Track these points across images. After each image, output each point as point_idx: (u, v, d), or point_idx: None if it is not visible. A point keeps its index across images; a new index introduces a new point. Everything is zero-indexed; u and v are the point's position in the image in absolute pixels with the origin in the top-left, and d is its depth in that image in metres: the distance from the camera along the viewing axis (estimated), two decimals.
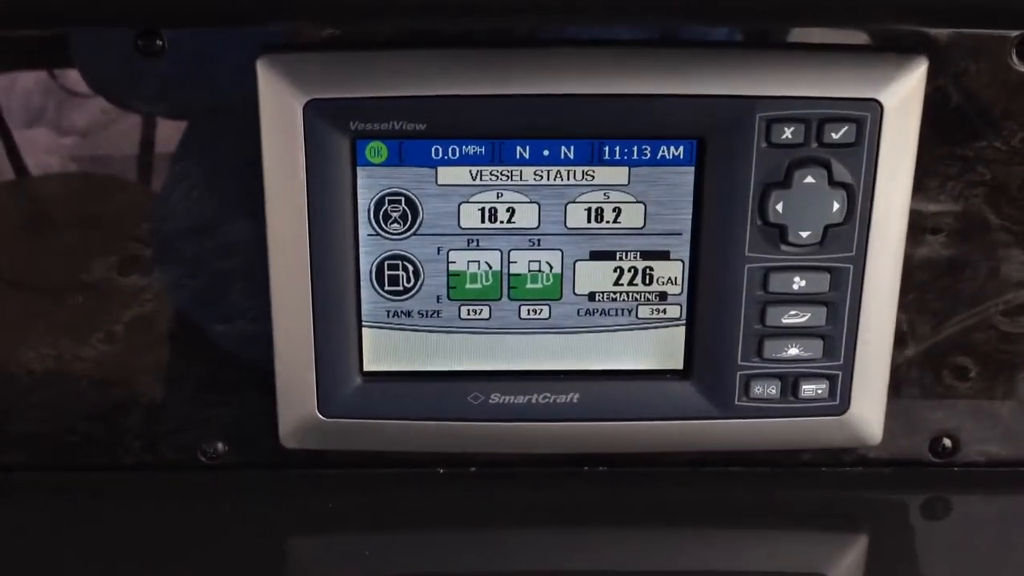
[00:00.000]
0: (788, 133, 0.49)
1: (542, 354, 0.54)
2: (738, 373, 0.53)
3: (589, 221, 0.52)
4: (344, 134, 0.49)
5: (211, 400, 0.57)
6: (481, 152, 0.51)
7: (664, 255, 0.53)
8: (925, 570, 0.54)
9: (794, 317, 0.52)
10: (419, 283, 0.53)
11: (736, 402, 0.54)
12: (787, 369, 0.53)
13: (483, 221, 0.52)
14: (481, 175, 0.51)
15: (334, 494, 0.57)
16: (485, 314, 0.53)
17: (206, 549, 0.53)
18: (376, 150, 0.50)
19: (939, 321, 0.57)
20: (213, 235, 0.54)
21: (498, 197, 0.51)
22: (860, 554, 0.56)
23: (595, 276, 0.53)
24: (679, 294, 0.53)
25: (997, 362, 0.57)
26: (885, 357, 0.54)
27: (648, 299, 0.53)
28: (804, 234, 0.51)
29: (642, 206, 0.52)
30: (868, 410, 0.54)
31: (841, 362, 0.53)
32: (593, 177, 0.51)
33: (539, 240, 0.52)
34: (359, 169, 0.50)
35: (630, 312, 0.54)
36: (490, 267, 0.53)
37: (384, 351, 0.54)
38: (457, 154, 0.51)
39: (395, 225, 0.52)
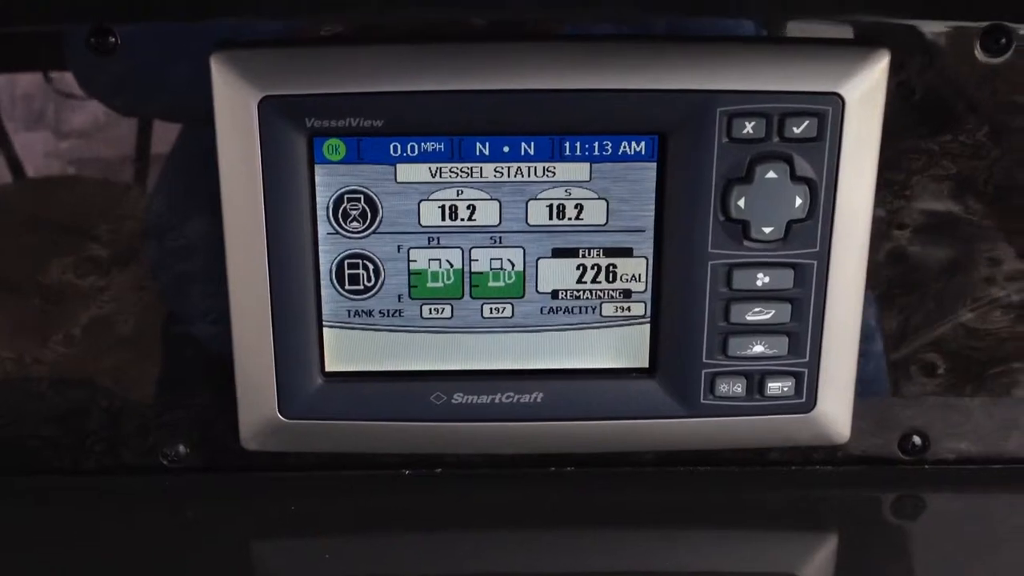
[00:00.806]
0: (749, 128, 0.49)
1: (505, 353, 0.54)
2: (703, 371, 0.53)
3: (551, 218, 0.51)
4: (300, 131, 0.49)
5: (172, 402, 0.57)
6: (440, 149, 0.50)
7: (627, 252, 0.52)
8: (896, 569, 0.53)
9: (758, 314, 0.52)
10: (380, 282, 0.52)
11: (702, 400, 0.53)
12: (752, 367, 0.53)
13: (444, 219, 0.51)
14: (441, 172, 0.50)
15: (297, 496, 0.57)
16: (447, 313, 0.53)
17: (169, 553, 0.53)
18: (334, 147, 0.50)
19: (906, 318, 0.56)
20: (171, 235, 0.54)
21: (458, 194, 0.51)
22: (830, 553, 0.55)
23: (558, 274, 0.53)
24: (643, 291, 0.53)
25: (966, 359, 0.57)
26: (852, 354, 0.53)
27: (612, 297, 0.53)
28: (767, 230, 0.50)
29: (604, 202, 0.51)
30: (835, 408, 0.54)
31: (807, 359, 0.53)
32: (554, 173, 0.51)
33: (500, 238, 0.52)
34: (317, 167, 0.50)
35: (594, 310, 0.53)
36: (451, 265, 0.52)
37: (345, 351, 0.53)
38: (416, 151, 0.50)
39: (354, 223, 0.51)
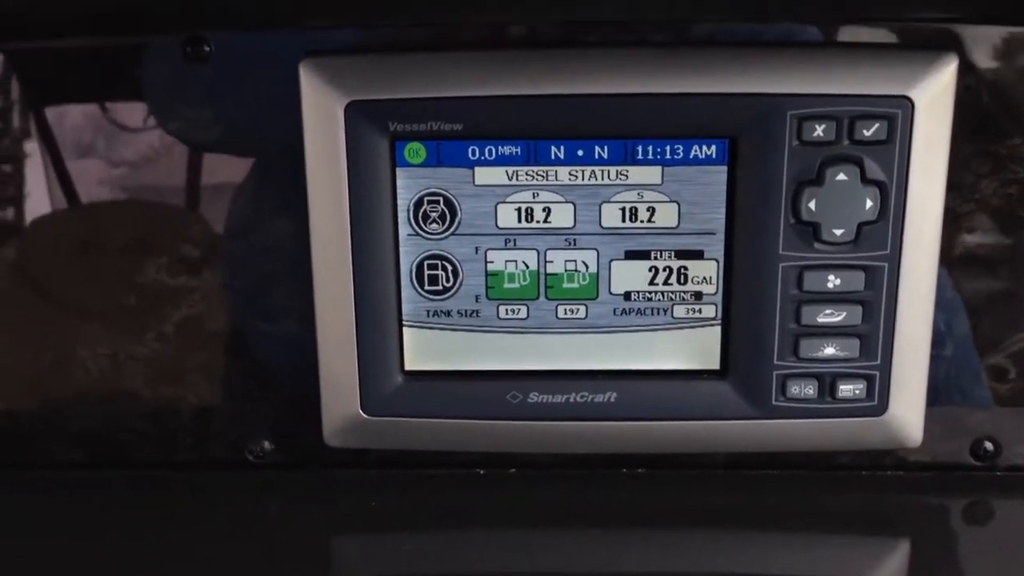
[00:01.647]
0: (820, 131, 0.49)
1: (579, 353, 0.55)
2: (774, 373, 0.53)
3: (624, 221, 0.53)
4: (384, 135, 0.51)
5: (257, 399, 0.59)
6: (517, 152, 0.52)
7: (698, 254, 0.53)
8: None
9: (829, 316, 0.52)
10: (458, 283, 0.54)
11: (773, 402, 0.54)
12: (824, 369, 0.53)
13: (520, 221, 0.53)
14: (517, 175, 0.52)
15: (376, 493, 0.58)
16: (523, 313, 0.54)
17: (252, 546, 0.54)
18: (415, 151, 0.52)
19: (977, 322, 0.56)
20: (258, 236, 0.56)
21: (534, 197, 0.52)
22: (900, 560, 0.55)
23: (631, 275, 0.54)
24: (714, 293, 0.54)
25: None
26: (923, 357, 0.53)
27: (683, 298, 0.54)
28: (838, 232, 0.51)
29: (676, 205, 0.52)
30: (907, 411, 0.54)
31: (878, 362, 0.53)
32: (627, 177, 0.52)
33: (575, 240, 0.53)
34: (398, 170, 0.52)
35: (666, 312, 0.54)
36: (527, 267, 0.54)
37: (424, 350, 0.55)
38: (493, 155, 0.52)
39: (434, 225, 0.53)
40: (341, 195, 0.51)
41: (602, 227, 0.53)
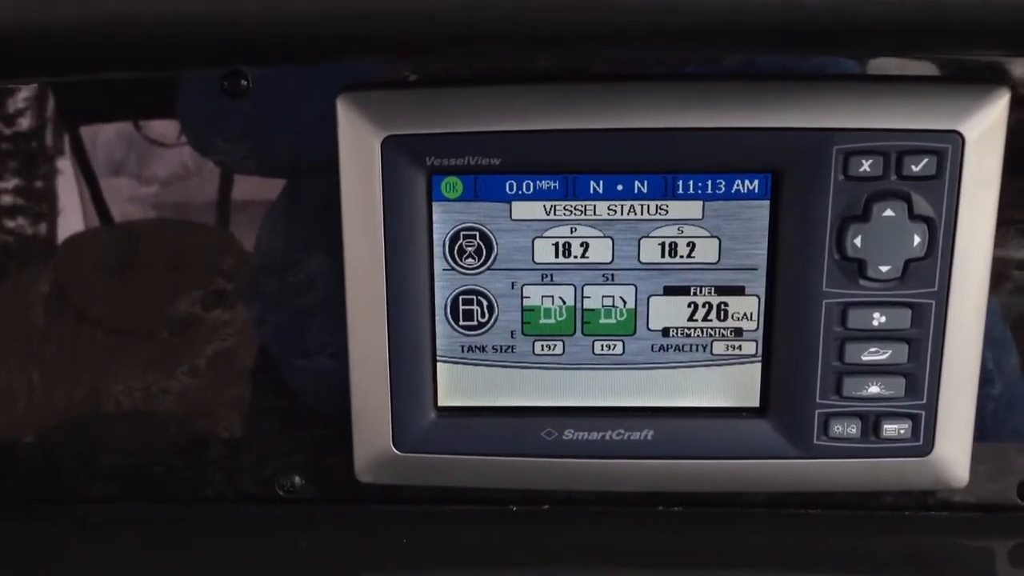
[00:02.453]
0: (866, 166, 0.48)
1: (616, 390, 0.54)
2: (817, 411, 0.52)
3: (663, 256, 0.52)
4: (420, 169, 0.50)
5: (289, 434, 0.58)
6: (555, 187, 0.51)
7: (739, 290, 0.52)
8: None
9: (874, 354, 0.51)
10: (493, 318, 0.53)
11: (815, 441, 0.52)
12: (868, 408, 0.52)
13: (557, 256, 0.52)
14: (555, 210, 0.51)
15: (408, 529, 0.57)
16: (559, 349, 0.53)
17: None
18: (451, 185, 0.51)
19: None
20: (293, 271, 0.56)
21: (572, 232, 0.52)
22: None
23: (669, 311, 0.53)
24: (755, 330, 0.53)
25: None
26: (971, 396, 0.52)
27: (723, 335, 0.53)
28: (884, 268, 0.50)
29: (716, 240, 0.51)
30: (953, 451, 0.53)
31: (924, 401, 0.52)
32: (667, 211, 0.51)
33: (613, 275, 0.52)
34: (435, 204, 0.51)
35: (705, 348, 0.53)
36: (564, 302, 0.53)
37: (458, 386, 0.54)
38: (531, 189, 0.51)
39: (470, 260, 0.52)
40: (376, 229, 0.51)
41: (641, 262, 0.52)
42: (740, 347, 0.53)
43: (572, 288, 0.53)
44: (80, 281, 0.57)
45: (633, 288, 0.53)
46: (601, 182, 0.51)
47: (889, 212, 0.49)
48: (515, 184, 0.51)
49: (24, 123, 0.55)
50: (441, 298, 0.53)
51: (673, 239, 0.52)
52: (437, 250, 0.52)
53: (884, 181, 0.49)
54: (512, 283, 0.53)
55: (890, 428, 0.52)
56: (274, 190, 0.55)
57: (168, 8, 0.36)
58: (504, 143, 0.50)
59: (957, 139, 0.48)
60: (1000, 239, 0.51)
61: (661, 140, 0.49)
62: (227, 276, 0.56)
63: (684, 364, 0.53)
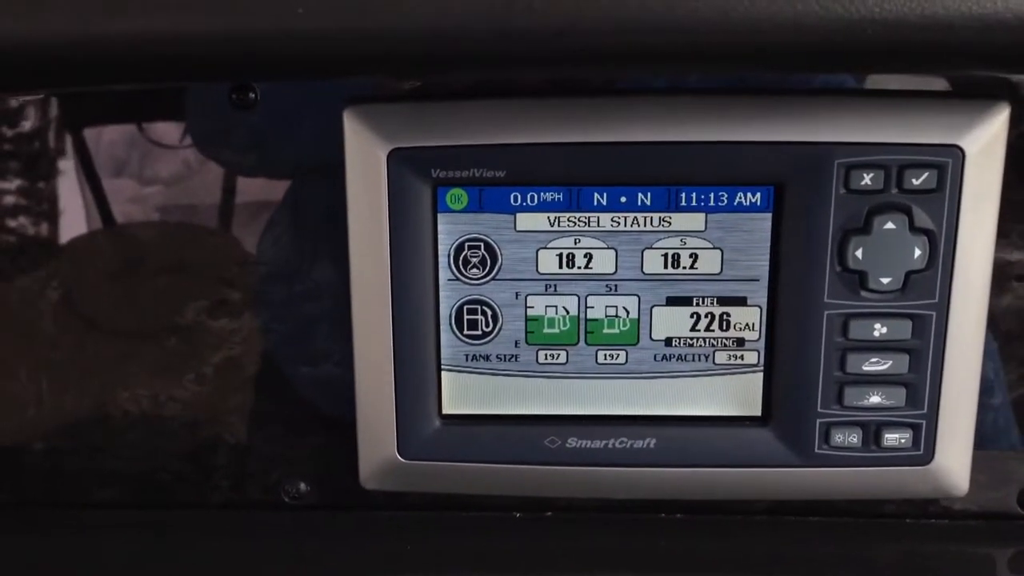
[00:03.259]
0: (867, 179, 0.49)
1: (619, 399, 0.54)
2: (818, 421, 0.52)
3: (666, 267, 0.52)
4: (426, 181, 0.51)
5: (295, 441, 0.59)
6: (559, 199, 0.51)
7: (741, 301, 0.53)
8: None
9: (875, 364, 0.51)
10: (497, 327, 0.54)
11: (816, 450, 0.53)
12: (869, 417, 0.52)
13: (561, 267, 0.52)
14: (559, 221, 0.52)
15: (412, 536, 0.58)
16: (562, 359, 0.54)
17: None
18: (456, 197, 0.52)
19: None
20: (300, 280, 0.56)
21: (576, 243, 0.52)
22: None
23: (672, 322, 0.53)
24: (756, 340, 0.53)
25: None
26: (971, 406, 0.52)
27: (725, 345, 0.53)
28: (885, 280, 0.50)
29: (719, 252, 0.52)
30: (953, 460, 0.53)
31: (925, 411, 0.52)
32: (670, 223, 0.52)
33: (616, 286, 0.53)
34: (440, 215, 0.52)
35: (707, 358, 0.54)
36: (567, 312, 0.53)
37: (462, 394, 0.54)
38: (536, 201, 0.51)
39: (474, 270, 0.53)
40: (382, 240, 0.51)
41: (644, 273, 0.52)
42: (742, 357, 0.54)
43: (576, 298, 0.53)
44: (88, 288, 0.57)
45: (636, 298, 0.53)
46: (605, 194, 0.51)
47: (890, 225, 0.49)
48: (519, 196, 0.51)
49: (32, 130, 0.56)
50: (446, 308, 0.53)
51: (676, 250, 0.52)
52: (442, 260, 0.52)
53: (885, 194, 0.49)
54: (516, 293, 0.53)
55: (891, 437, 0.52)
56: (282, 201, 0.55)
57: (184, 29, 0.36)
58: (509, 155, 0.50)
59: (957, 153, 0.48)
60: (999, 251, 0.51)
61: (664, 153, 0.50)
62: (234, 285, 0.57)
63: (686, 373, 0.54)
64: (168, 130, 0.55)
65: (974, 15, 0.36)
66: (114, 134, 0.56)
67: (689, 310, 0.53)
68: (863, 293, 0.51)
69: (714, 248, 0.52)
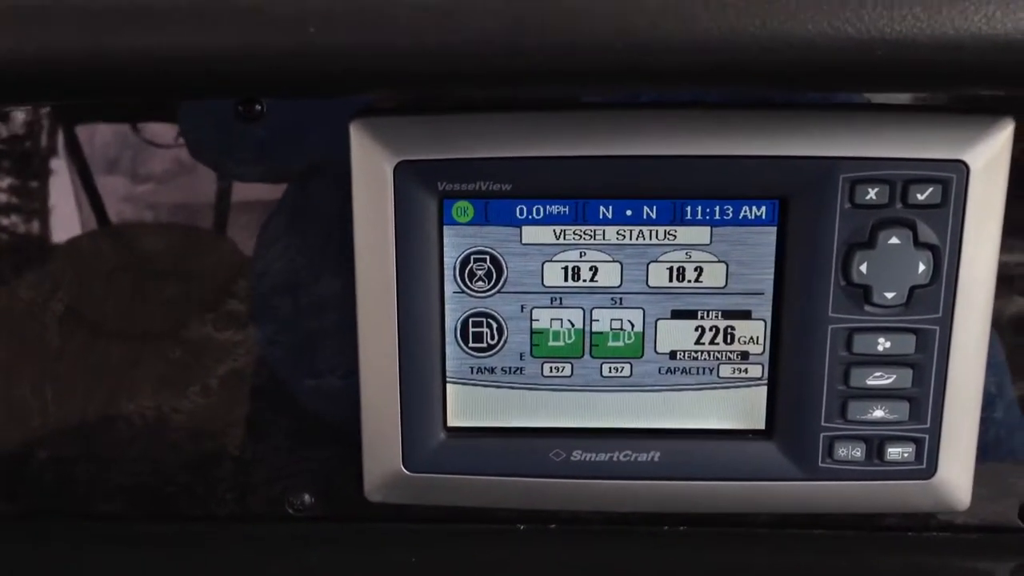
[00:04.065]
0: (872, 194, 0.49)
1: (623, 412, 0.54)
2: (822, 434, 0.53)
3: (671, 280, 0.52)
4: (432, 194, 0.51)
5: (299, 453, 0.59)
6: (565, 212, 0.52)
7: (746, 314, 0.53)
8: None
9: (879, 379, 0.52)
10: (503, 340, 0.54)
11: (820, 464, 0.53)
12: (872, 431, 0.52)
13: (566, 279, 0.53)
14: (565, 234, 0.52)
15: (416, 548, 0.58)
16: (567, 371, 0.54)
17: None
18: (462, 209, 0.52)
19: None
20: (305, 292, 0.56)
21: (581, 256, 0.52)
22: None
23: (677, 335, 0.53)
24: (761, 354, 0.53)
25: None
26: (973, 420, 0.53)
27: (730, 358, 0.54)
28: (889, 295, 0.50)
29: (724, 265, 0.52)
30: (956, 474, 0.53)
31: (928, 425, 0.52)
32: (675, 237, 0.52)
33: (621, 299, 0.53)
34: (446, 228, 0.52)
35: (711, 371, 0.54)
36: (572, 325, 0.53)
37: (468, 407, 0.55)
38: (541, 214, 0.52)
39: (480, 283, 0.53)
40: (388, 252, 0.51)
41: (649, 286, 0.53)
42: (746, 370, 0.54)
43: (581, 311, 0.53)
44: (93, 300, 0.57)
45: (641, 311, 0.53)
46: (610, 207, 0.51)
47: (894, 240, 0.50)
48: (525, 209, 0.52)
49: (37, 142, 0.56)
50: (451, 320, 0.53)
51: (681, 264, 0.52)
52: (448, 273, 0.53)
53: (890, 209, 0.49)
54: (521, 306, 0.53)
55: (894, 451, 0.53)
56: (287, 213, 0.55)
57: (195, 47, 0.37)
58: (515, 169, 0.50)
59: (962, 168, 0.49)
60: (1002, 266, 0.51)
61: (670, 167, 0.50)
62: (239, 297, 0.57)
63: (691, 387, 0.54)
64: (176, 141, 0.55)
65: (984, 35, 0.36)
66: (115, 142, 0.56)
67: (694, 323, 0.53)
68: (867, 307, 0.51)
69: (719, 261, 0.52)
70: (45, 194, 0.57)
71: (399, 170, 0.50)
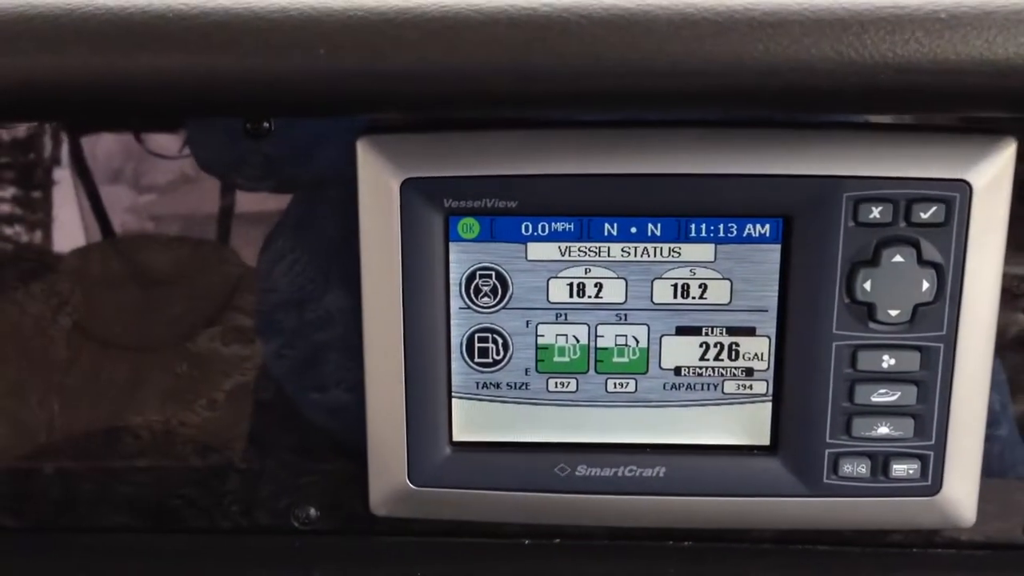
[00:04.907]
0: (876, 213, 0.49)
1: (628, 427, 0.55)
2: (827, 451, 0.53)
3: (675, 297, 0.53)
4: (438, 211, 0.51)
5: (305, 467, 0.59)
6: (570, 229, 0.52)
7: (750, 331, 0.53)
8: None
9: (884, 396, 0.52)
10: (508, 355, 0.54)
11: (825, 480, 0.53)
12: (877, 448, 0.53)
13: (571, 295, 0.53)
14: (570, 251, 0.52)
15: (421, 562, 0.58)
16: (572, 387, 0.54)
17: None
18: (468, 226, 0.52)
19: None
20: (311, 307, 0.57)
21: (586, 272, 0.53)
22: None
23: (681, 351, 0.54)
24: (765, 370, 0.54)
25: None
26: (978, 437, 0.53)
27: (734, 374, 0.54)
28: (893, 312, 0.51)
29: (728, 282, 0.52)
30: (961, 491, 0.53)
31: (933, 442, 0.52)
32: (680, 254, 0.52)
33: (626, 315, 0.53)
34: (452, 244, 0.52)
35: (716, 387, 0.54)
36: (577, 340, 0.54)
37: (473, 422, 0.55)
38: (547, 231, 0.52)
39: (485, 299, 0.53)
40: (394, 268, 0.52)
41: (653, 303, 0.53)
42: (751, 386, 0.54)
43: (586, 327, 0.54)
44: (101, 315, 0.58)
45: (646, 328, 0.53)
46: (615, 224, 0.52)
47: (898, 258, 0.50)
48: (531, 226, 0.52)
49: (56, 158, 0.56)
50: (457, 336, 0.54)
51: (686, 280, 0.53)
52: (454, 289, 0.53)
53: (893, 228, 0.50)
54: (527, 322, 0.54)
55: (899, 468, 0.53)
56: (294, 229, 0.56)
57: (207, 70, 0.37)
58: (520, 186, 0.51)
59: (965, 188, 0.49)
60: (1006, 284, 0.52)
61: (675, 185, 0.50)
62: (246, 312, 0.57)
63: (695, 402, 0.54)
64: (184, 159, 0.56)
65: (985, 60, 0.36)
66: (126, 162, 0.57)
67: (698, 339, 0.53)
68: (871, 325, 0.51)
69: (723, 278, 0.52)
70: (49, 206, 0.57)
71: (406, 187, 0.50)
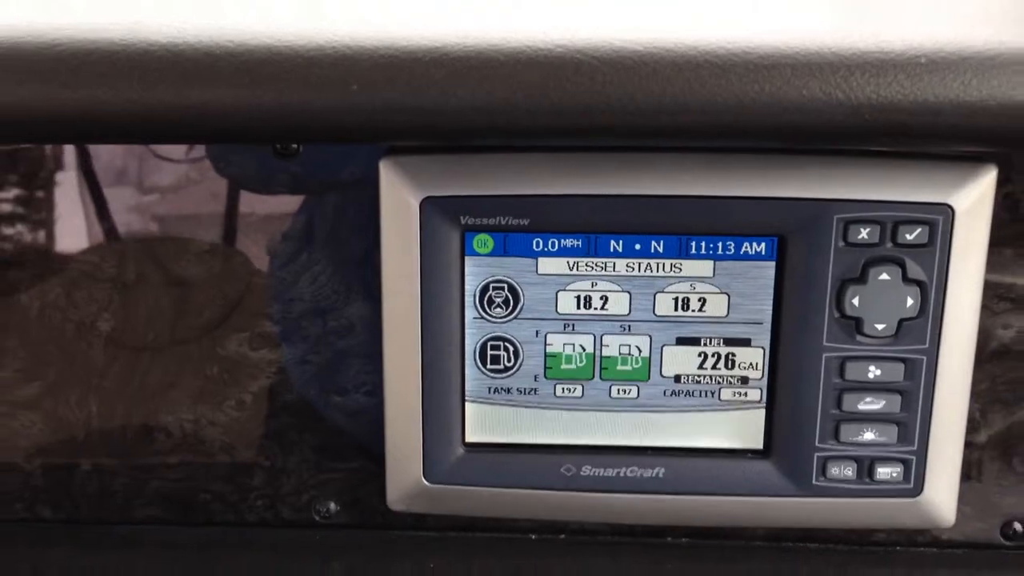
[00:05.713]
0: (864, 233, 0.52)
1: (630, 431, 0.58)
2: (816, 455, 0.56)
3: (676, 309, 0.56)
4: (455, 227, 0.54)
5: (326, 465, 0.62)
6: (578, 245, 0.55)
7: (746, 342, 0.56)
8: None
9: (870, 404, 0.55)
10: (518, 362, 0.57)
11: (813, 482, 0.56)
12: (863, 452, 0.55)
13: (578, 307, 0.56)
14: (578, 266, 0.55)
15: (434, 554, 0.61)
16: (578, 392, 0.57)
17: None
18: (483, 242, 0.55)
19: (1010, 409, 0.59)
20: (334, 316, 0.60)
21: (593, 286, 0.56)
22: None
23: (681, 360, 0.57)
24: (760, 379, 0.56)
25: None
26: (958, 443, 0.56)
27: (730, 382, 0.57)
28: (879, 327, 0.53)
29: (726, 297, 0.55)
30: (941, 493, 0.56)
31: (915, 447, 0.55)
32: (680, 270, 0.55)
33: (629, 326, 0.56)
34: (467, 258, 0.55)
35: (713, 394, 0.57)
36: (584, 349, 0.57)
37: (485, 424, 0.58)
38: (556, 247, 0.55)
39: (498, 310, 0.56)
40: (413, 280, 0.54)
41: (656, 315, 0.56)
42: (746, 394, 0.57)
43: (592, 337, 0.56)
44: (137, 321, 0.61)
45: (648, 338, 0.56)
46: (621, 242, 0.55)
47: (885, 276, 0.53)
48: (541, 242, 0.55)
49: (71, 171, 0.59)
50: (471, 344, 0.57)
51: (686, 294, 0.55)
52: (468, 300, 0.56)
53: (880, 248, 0.52)
54: (536, 331, 0.57)
55: (883, 471, 0.55)
56: (320, 243, 0.59)
57: (243, 103, 0.40)
58: (532, 205, 0.53)
59: (948, 211, 0.52)
60: (986, 300, 0.55)
61: (676, 205, 0.53)
62: (273, 320, 0.60)
63: (694, 408, 0.57)
64: (215, 176, 0.59)
65: (960, 101, 0.39)
66: (156, 176, 0.59)
67: (697, 349, 0.56)
68: (859, 338, 0.54)
69: (721, 293, 0.55)
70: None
71: (425, 205, 0.53)
